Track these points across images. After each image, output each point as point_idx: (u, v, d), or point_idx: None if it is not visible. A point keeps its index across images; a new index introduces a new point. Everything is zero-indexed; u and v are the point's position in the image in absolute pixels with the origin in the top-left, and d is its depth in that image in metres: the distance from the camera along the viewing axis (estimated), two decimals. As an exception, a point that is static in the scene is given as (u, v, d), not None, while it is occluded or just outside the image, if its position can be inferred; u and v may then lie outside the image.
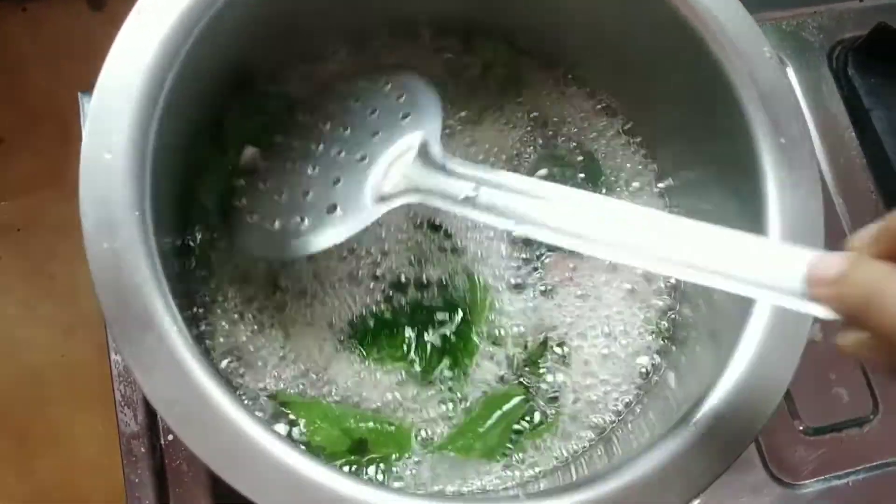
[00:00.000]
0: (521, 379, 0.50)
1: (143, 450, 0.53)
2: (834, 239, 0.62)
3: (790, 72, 0.67)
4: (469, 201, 0.41)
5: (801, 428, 0.59)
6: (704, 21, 0.46)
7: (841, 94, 0.68)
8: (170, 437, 0.53)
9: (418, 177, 0.44)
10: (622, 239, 0.37)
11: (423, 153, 0.44)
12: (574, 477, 0.44)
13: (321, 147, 0.48)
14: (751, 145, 0.44)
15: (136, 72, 0.39)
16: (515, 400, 0.49)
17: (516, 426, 0.49)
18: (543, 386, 0.51)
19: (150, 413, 0.54)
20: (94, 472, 0.75)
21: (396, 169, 0.45)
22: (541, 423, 0.49)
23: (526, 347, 0.51)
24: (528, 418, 0.49)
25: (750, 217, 0.44)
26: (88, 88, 0.59)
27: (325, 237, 0.45)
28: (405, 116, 0.47)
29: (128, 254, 0.37)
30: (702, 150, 0.51)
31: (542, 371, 0.51)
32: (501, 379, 0.50)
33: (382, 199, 0.44)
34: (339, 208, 0.45)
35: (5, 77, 0.83)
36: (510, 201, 0.40)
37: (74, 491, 0.78)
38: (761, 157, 0.44)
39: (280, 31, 0.50)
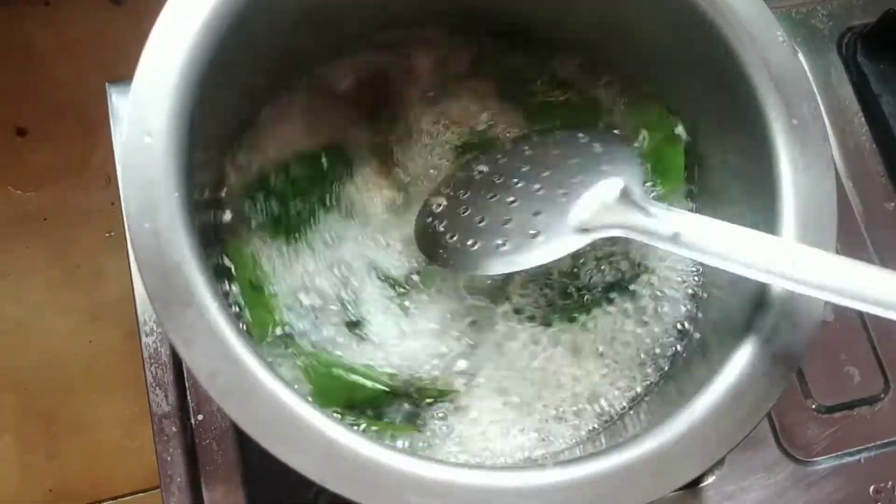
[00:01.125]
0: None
1: (174, 429, 0.55)
2: (845, 220, 0.64)
3: (800, 58, 0.69)
4: (675, 238, 0.43)
5: (813, 406, 0.60)
6: (719, 8, 0.47)
7: (850, 79, 0.69)
8: (200, 417, 0.55)
9: (621, 214, 0.45)
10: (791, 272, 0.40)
11: (625, 195, 0.46)
12: (598, 446, 0.46)
13: (520, 183, 0.50)
14: (764, 127, 0.45)
15: (174, 58, 0.40)
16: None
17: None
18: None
19: (181, 394, 0.56)
20: (119, 454, 0.76)
21: (598, 206, 0.46)
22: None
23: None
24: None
25: (764, 197, 0.45)
26: (111, 79, 0.61)
27: (529, 258, 0.47)
28: (604, 165, 0.49)
29: (168, 233, 0.38)
30: (716, 133, 0.53)
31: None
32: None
33: (585, 230, 0.46)
34: (541, 235, 0.47)
35: (29, 70, 0.85)
36: (711, 242, 0.42)
37: (100, 473, 0.80)
38: (774, 139, 0.45)
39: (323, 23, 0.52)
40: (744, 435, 0.41)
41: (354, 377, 0.49)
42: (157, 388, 0.56)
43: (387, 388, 0.49)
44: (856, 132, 0.68)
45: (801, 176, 0.44)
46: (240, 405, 0.37)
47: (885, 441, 0.60)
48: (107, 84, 0.61)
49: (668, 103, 0.56)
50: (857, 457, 0.59)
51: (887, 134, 0.67)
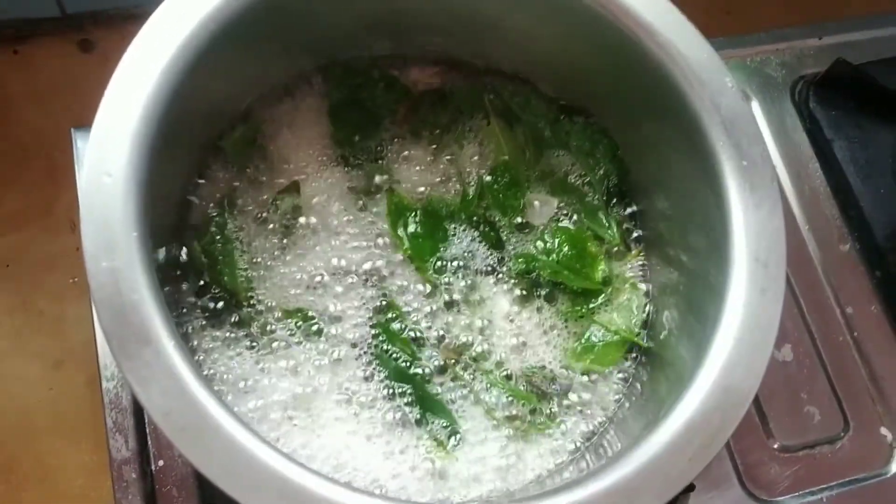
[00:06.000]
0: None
1: (133, 475, 0.54)
2: (802, 263, 0.66)
3: (755, 105, 0.71)
4: None
5: (775, 446, 0.61)
6: (674, 59, 0.49)
7: (804, 126, 0.71)
8: (160, 463, 0.54)
9: None
10: None
11: None
12: (551, 484, 0.46)
13: None
14: (716, 169, 0.46)
15: (134, 100, 0.41)
16: None
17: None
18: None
19: (141, 439, 0.55)
20: (82, 503, 0.75)
21: None
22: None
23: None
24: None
25: (716, 237, 0.46)
26: (78, 125, 0.61)
27: None
28: None
29: (126, 271, 0.38)
30: (670, 178, 0.54)
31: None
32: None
33: None
34: None
35: (-5, 116, 0.84)
36: None
37: (61, 524, 0.78)
38: (725, 180, 0.46)
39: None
40: (700, 468, 0.41)
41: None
42: (116, 433, 0.55)
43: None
44: (811, 176, 0.69)
45: (752, 215, 0.45)
46: (194, 443, 0.36)
47: (846, 480, 0.60)
48: (72, 129, 0.61)
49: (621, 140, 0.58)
50: (819, 496, 0.60)
51: (841, 178, 0.69)
